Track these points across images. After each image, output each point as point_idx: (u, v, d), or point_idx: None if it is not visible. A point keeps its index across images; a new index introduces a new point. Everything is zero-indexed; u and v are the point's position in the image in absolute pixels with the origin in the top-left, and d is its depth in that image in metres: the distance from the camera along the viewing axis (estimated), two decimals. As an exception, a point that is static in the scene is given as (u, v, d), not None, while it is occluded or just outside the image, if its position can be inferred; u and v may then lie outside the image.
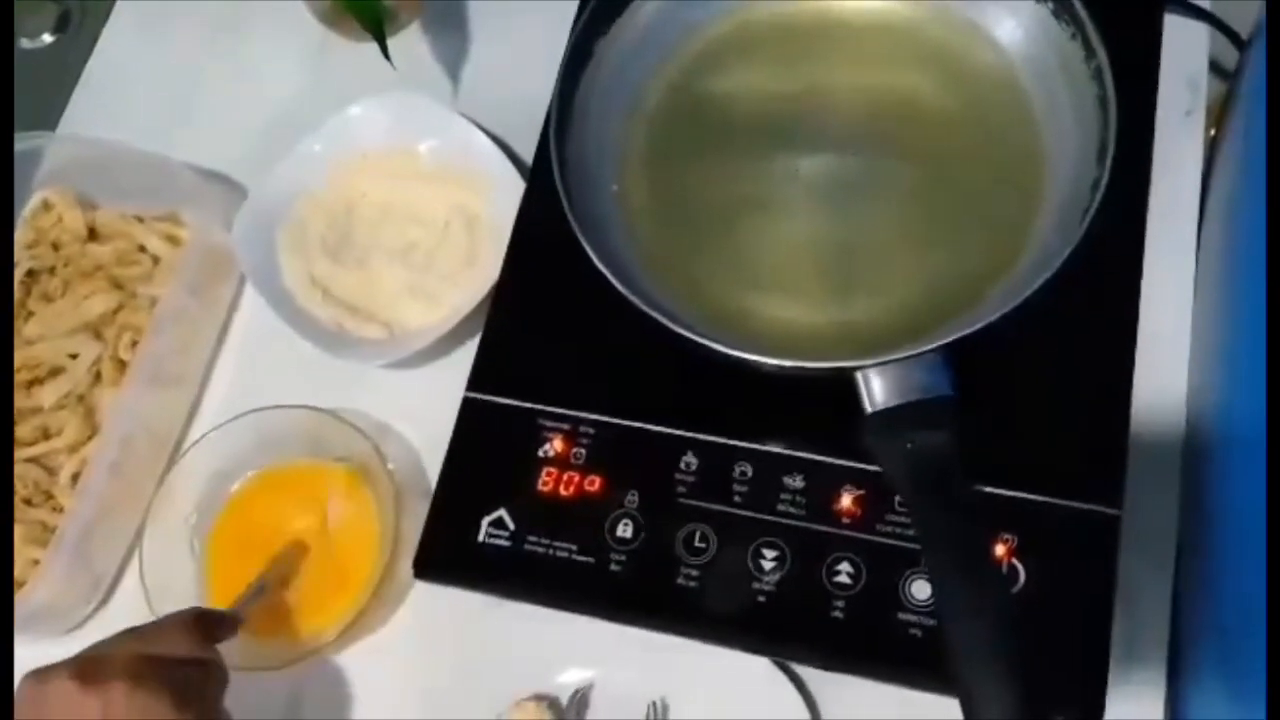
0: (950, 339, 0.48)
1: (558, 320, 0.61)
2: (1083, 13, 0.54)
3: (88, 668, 0.48)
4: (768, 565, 0.54)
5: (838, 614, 0.53)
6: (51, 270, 0.72)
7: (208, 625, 0.55)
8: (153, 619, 0.56)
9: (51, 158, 0.74)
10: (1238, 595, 0.50)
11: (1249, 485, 0.50)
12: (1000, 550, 0.52)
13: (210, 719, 0.50)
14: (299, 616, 0.61)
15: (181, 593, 0.62)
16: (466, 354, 0.62)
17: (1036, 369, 0.56)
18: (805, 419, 0.56)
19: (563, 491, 0.56)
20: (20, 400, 0.68)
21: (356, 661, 0.62)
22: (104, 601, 0.66)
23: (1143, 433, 0.56)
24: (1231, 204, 0.61)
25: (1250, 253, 0.54)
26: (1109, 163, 0.51)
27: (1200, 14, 0.67)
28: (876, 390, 0.49)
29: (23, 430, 0.67)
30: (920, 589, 0.52)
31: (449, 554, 0.56)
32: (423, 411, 0.66)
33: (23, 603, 0.60)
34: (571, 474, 0.57)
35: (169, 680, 0.49)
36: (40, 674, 0.48)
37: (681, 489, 0.56)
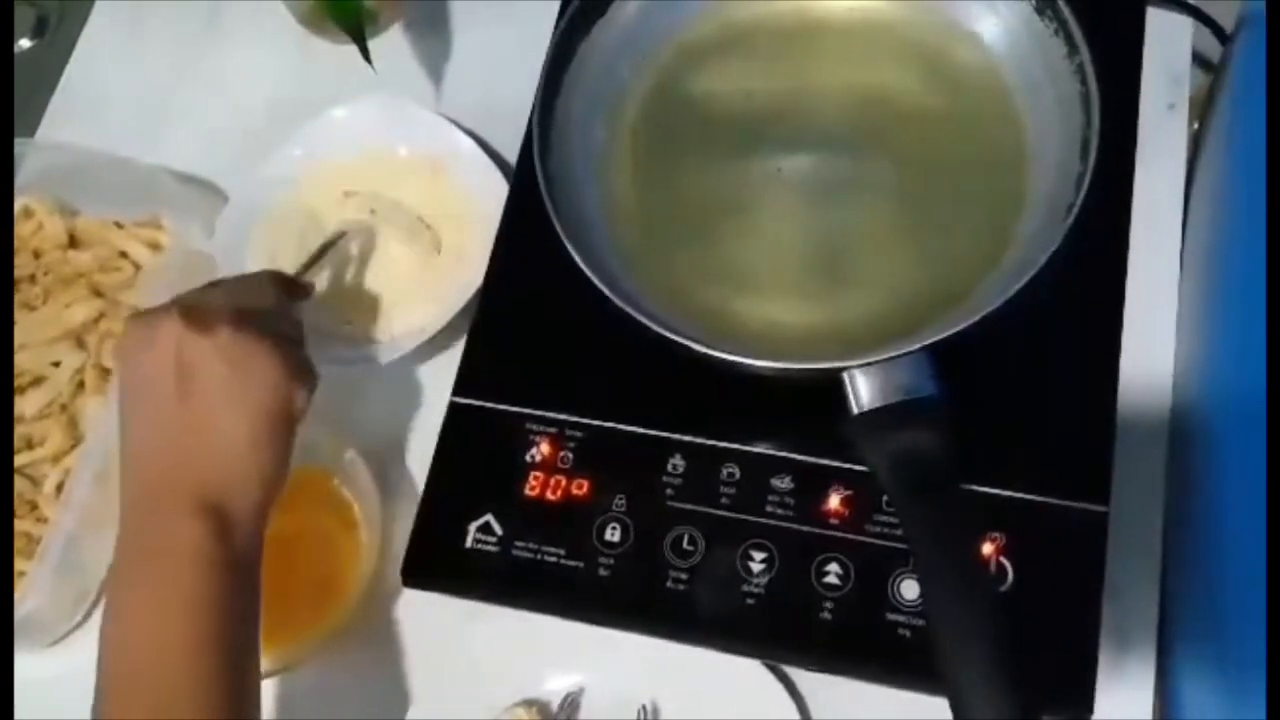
0: (936, 338, 0.48)
1: (543, 324, 0.61)
2: (1065, 9, 0.54)
3: (193, 312, 0.51)
4: (756, 567, 0.54)
5: (827, 615, 0.53)
6: (32, 278, 0.71)
7: (285, 283, 0.59)
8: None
9: (30, 164, 0.73)
10: (1234, 588, 0.50)
11: (1241, 479, 0.50)
12: (988, 549, 0.52)
13: (304, 367, 0.53)
14: (284, 625, 0.61)
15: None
16: (452, 357, 0.61)
17: (1023, 366, 0.56)
18: (792, 420, 0.56)
19: (550, 496, 0.56)
20: (2, 410, 0.67)
21: (344, 670, 0.62)
22: (90, 613, 0.65)
23: (1129, 428, 0.56)
24: (1218, 196, 0.61)
25: (1242, 243, 0.54)
26: (1092, 158, 0.51)
27: (1183, 7, 0.67)
28: (863, 391, 0.49)
29: (5, 440, 0.66)
30: (909, 589, 0.52)
31: (436, 560, 0.56)
32: (408, 416, 0.66)
33: (7, 615, 0.59)
34: (559, 478, 0.57)
35: (267, 327, 0.52)
36: (146, 314, 0.52)
37: (669, 492, 0.56)
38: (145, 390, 0.51)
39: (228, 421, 0.50)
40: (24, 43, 0.83)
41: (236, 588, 0.49)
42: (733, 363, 0.50)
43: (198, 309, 0.52)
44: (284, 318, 0.56)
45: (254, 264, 0.69)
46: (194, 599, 0.47)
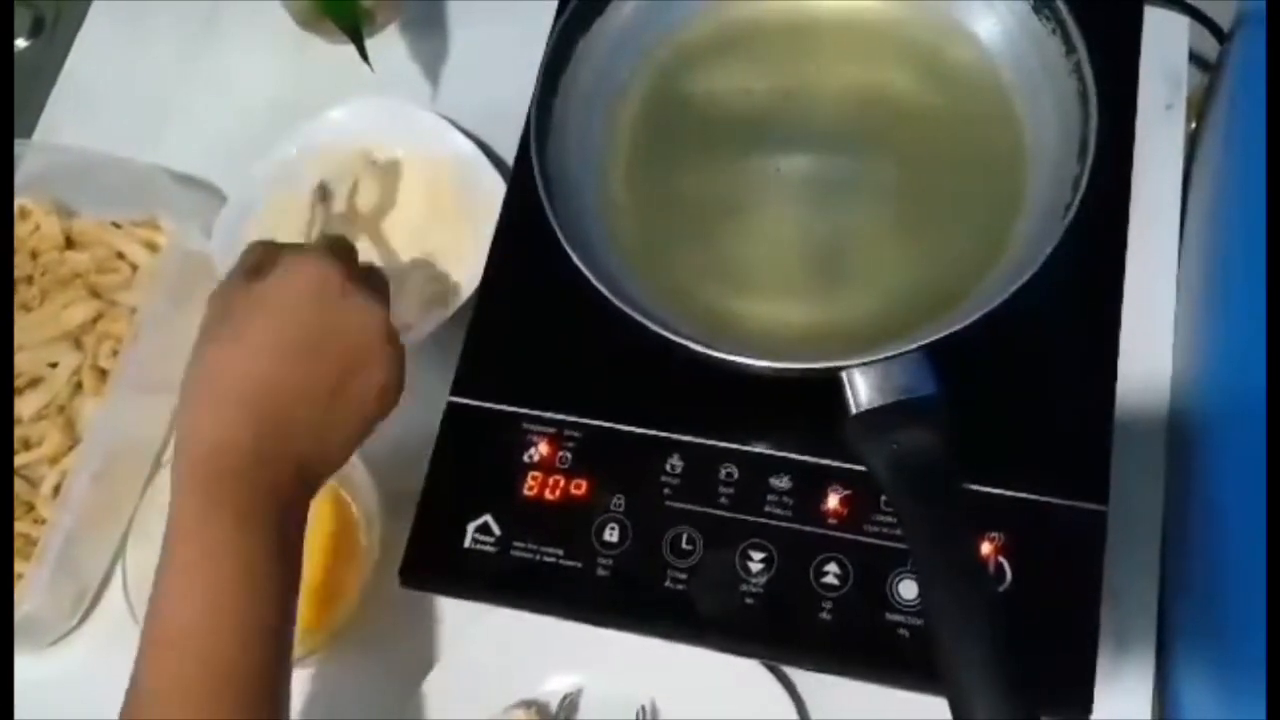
0: (935, 338, 0.48)
1: (542, 324, 0.60)
2: (1063, 8, 0.54)
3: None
4: (755, 567, 0.54)
5: (825, 615, 0.52)
6: (29, 279, 0.71)
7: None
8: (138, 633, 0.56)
9: (28, 165, 0.73)
10: (1234, 588, 0.50)
11: (1240, 478, 0.50)
12: (987, 548, 0.52)
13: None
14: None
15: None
16: (450, 357, 0.61)
17: (1021, 366, 0.56)
18: (791, 419, 0.56)
19: (548, 496, 0.56)
20: None
21: (342, 672, 0.62)
22: (88, 614, 0.65)
23: (1128, 427, 0.56)
24: (1216, 195, 0.61)
25: (1240, 242, 0.54)
26: (1090, 159, 0.51)
27: (1181, 6, 0.67)
28: (861, 391, 0.49)
29: (2, 442, 0.66)
30: (908, 589, 0.52)
31: (435, 561, 0.56)
32: (406, 416, 0.65)
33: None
34: (557, 478, 0.56)
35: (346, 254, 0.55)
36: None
37: (667, 491, 0.55)
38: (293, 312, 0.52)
39: (341, 414, 0.52)
40: (21, 42, 0.83)
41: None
42: (731, 362, 0.50)
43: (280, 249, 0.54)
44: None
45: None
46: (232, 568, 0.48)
